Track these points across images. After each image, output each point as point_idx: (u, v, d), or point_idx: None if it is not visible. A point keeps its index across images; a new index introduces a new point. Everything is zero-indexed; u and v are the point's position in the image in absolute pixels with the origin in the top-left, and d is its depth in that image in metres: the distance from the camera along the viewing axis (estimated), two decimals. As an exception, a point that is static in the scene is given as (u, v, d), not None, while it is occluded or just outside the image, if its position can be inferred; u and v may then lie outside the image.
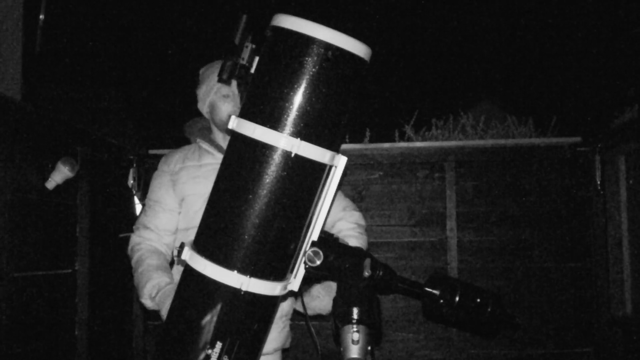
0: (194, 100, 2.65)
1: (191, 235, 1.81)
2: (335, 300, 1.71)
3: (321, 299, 2.37)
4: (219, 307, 1.64)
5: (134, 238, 2.51)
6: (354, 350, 1.63)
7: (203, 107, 2.59)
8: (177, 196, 2.51)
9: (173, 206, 2.50)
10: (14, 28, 3.46)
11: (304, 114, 1.59)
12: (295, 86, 1.58)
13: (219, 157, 2.51)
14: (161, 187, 2.53)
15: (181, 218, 2.51)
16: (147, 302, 2.34)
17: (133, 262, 2.46)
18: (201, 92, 2.57)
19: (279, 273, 1.71)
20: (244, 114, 1.66)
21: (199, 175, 2.49)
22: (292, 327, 2.60)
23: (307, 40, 1.57)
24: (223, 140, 2.58)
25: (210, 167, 2.50)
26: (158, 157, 2.77)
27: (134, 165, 3.54)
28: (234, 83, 2.46)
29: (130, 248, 2.51)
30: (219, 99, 2.51)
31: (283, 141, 1.58)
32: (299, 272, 1.76)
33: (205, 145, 2.57)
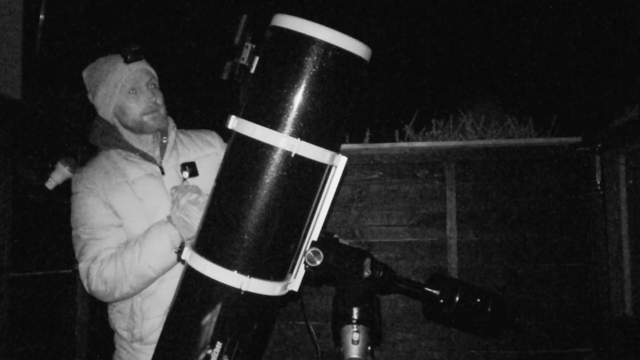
0: (191, 101, 2.62)
1: None
2: (335, 300, 1.71)
3: None
4: (219, 307, 1.64)
5: (89, 267, 2.15)
6: (354, 350, 1.63)
7: (107, 113, 2.32)
8: (116, 214, 2.24)
9: (117, 222, 2.24)
10: (14, 28, 3.46)
11: (304, 114, 1.59)
12: (295, 86, 1.58)
13: (145, 165, 2.33)
14: (95, 210, 2.22)
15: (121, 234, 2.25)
16: (171, 234, 2.11)
17: (109, 273, 2.13)
18: (100, 97, 2.32)
19: (279, 273, 1.71)
20: (244, 114, 1.66)
21: (134, 193, 2.26)
22: (292, 327, 2.59)
23: (307, 40, 1.57)
24: (138, 143, 2.36)
25: (142, 180, 2.29)
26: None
27: (134, 165, 3.52)
28: (139, 74, 2.29)
29: (89, 278, 2.15)
30: (125, 97, 2.28)
31: (283, 141, 1.58)
32: (299, 272, 1.76)
33: (124, 154, 2.32)
